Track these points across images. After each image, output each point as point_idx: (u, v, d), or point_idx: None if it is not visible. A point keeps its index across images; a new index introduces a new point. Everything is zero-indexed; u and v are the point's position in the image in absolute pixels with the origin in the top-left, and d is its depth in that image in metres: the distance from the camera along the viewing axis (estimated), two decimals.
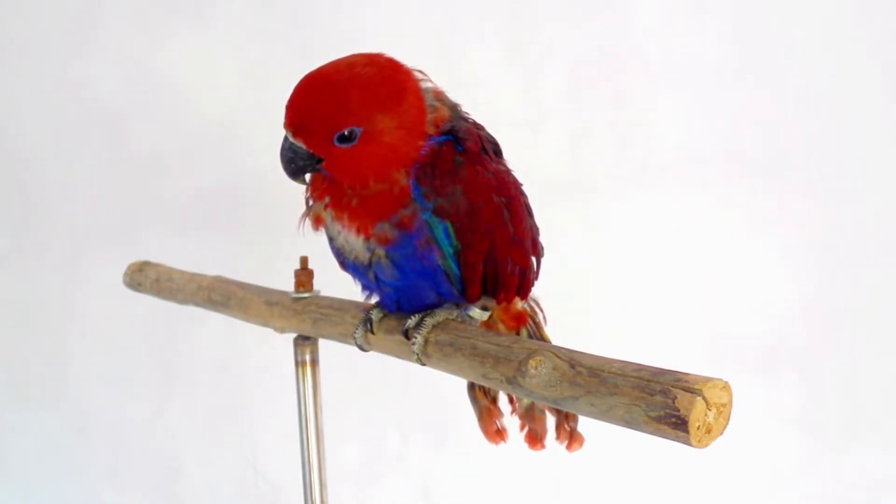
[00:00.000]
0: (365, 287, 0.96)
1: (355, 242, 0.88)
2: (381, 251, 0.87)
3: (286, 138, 0.84)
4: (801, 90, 1.61)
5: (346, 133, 0.81)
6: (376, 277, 0.90)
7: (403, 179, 0.84)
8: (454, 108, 0.90)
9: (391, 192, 0.84)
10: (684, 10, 1.62)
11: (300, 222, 0.94)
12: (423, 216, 0.85)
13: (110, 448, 1.80)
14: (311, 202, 0.93)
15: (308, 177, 0.90)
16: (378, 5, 1.69)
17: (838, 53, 1.59)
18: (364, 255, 0.88)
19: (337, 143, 0.82)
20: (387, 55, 0.85)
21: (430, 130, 0.86)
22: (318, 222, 0.92)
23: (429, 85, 0.87)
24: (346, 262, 0.92)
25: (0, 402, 1.78)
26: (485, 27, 1.67)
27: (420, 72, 0.87)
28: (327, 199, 0.88)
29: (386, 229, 0.85)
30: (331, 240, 0.93)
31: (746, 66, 1.62)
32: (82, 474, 1.80)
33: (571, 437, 1.10)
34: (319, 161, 0.84)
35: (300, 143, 0.83)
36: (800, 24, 1.59)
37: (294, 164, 0.85)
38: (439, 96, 0.88)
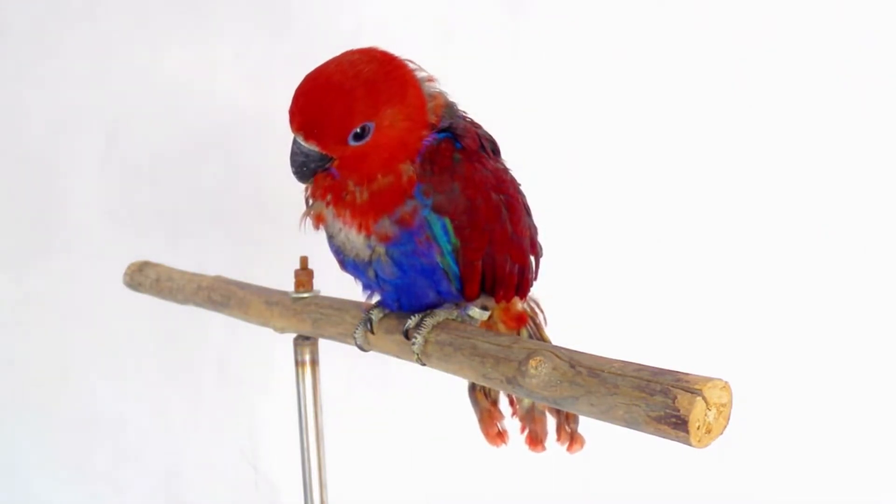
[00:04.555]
0: (366, 286, 0.96)
1: (356, 240, 0.88)
2: (381, 248, 0.87)
3: (296, 142, 0.83)
4: (802, 87, 1.60)
5: (358, 130, 0.81)
6: (376, 275, 0.90)
7: (410, 170, 0.85)
8: (445, 95, 0.91)
9: (399, 183, 0.85)
10: (685, 5, 1.62)
11: (301, 222, 0.94)
12: (423, 213, 0.85)
13: (111, 448, 1.79)
14: (311, 201, 0.93)
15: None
16: (378, 6, 1.69)
17: (837, 51, 1.58)
18: (364, 253, 0.88)
19: (351, 142, 0.82)
20: (380, 49, 0.86)
21: (432, 119, 0.86)
22: (319, 221, 0.92)
23: (423, 74, 0.88)
24: (346, 261, 0.92)
25: (0, 403, 1.78)
26: (485, 21, 1.67)
27: (411, 61, 0.87)
28: (329, 197, 0.88)
29: (386, 226, 0.85)
30: (330, 238, 0.93)
31: (749, 62, 1.62)
32: (82, 474, 1.80)
33: (572, 438, 1.10)
34: (330, 161, 0.84)
35: (313, 146, 0.82)
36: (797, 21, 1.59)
37: (306, 167, 0.84)
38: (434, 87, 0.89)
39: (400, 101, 0.83)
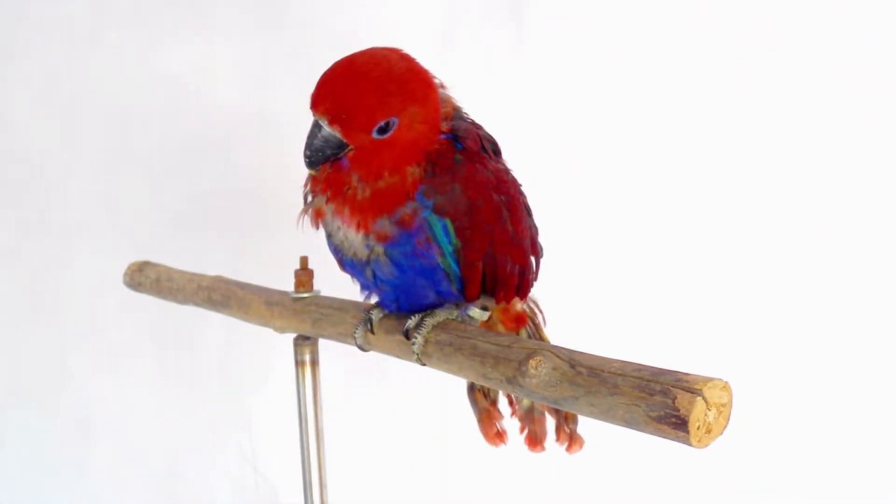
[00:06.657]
0: (363, 287, 0.96)
1: (354, 239, 0.88)
2: (379, 248, 0.87)
3: (319, 126, 0.83)
4: (802, 87, 1.60)
5: (383, 124, 0.82)
6: (374, 275, 0.90)
7: (416, 172, 0.85)
8: (454, 100, 0.91)
9: (402, 185, 0.85)
10: (685, 7, 1.62)
11: (299, 219, 0.94)
12: (423, 214, 0.85)
13: (110, 448, 1.79)
14: (310, 198, 0.93)
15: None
16: (377, 6, 1.69)
17: (836, 52, 1.59)
18: (362, 252, 0.88)
19: (374, 135, 0.82)
20: (403, 50, 0.87)
21: (444, 125, 0.87)
22: (318, 216, 0.92)
23: (437, 80, 0.89)
24: (344, 260, 0.92)
25: (0, 402, 1.78)
26: (485, 21, 1.67)
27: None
28: (329, 193, 0.88)
29: (386, 226, 0.85)
30: (329, 236, 0.93)
31: (749, 62, 1.62)
32: (82, 474, 1.80)
33: (571, 438, 1.10)
34: (345, 150, 0.84)
35: (336, 132, 0.82)
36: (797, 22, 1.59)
37: (322, 153, 0.84)
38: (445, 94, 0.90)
39: (423, 103, 0.84)
